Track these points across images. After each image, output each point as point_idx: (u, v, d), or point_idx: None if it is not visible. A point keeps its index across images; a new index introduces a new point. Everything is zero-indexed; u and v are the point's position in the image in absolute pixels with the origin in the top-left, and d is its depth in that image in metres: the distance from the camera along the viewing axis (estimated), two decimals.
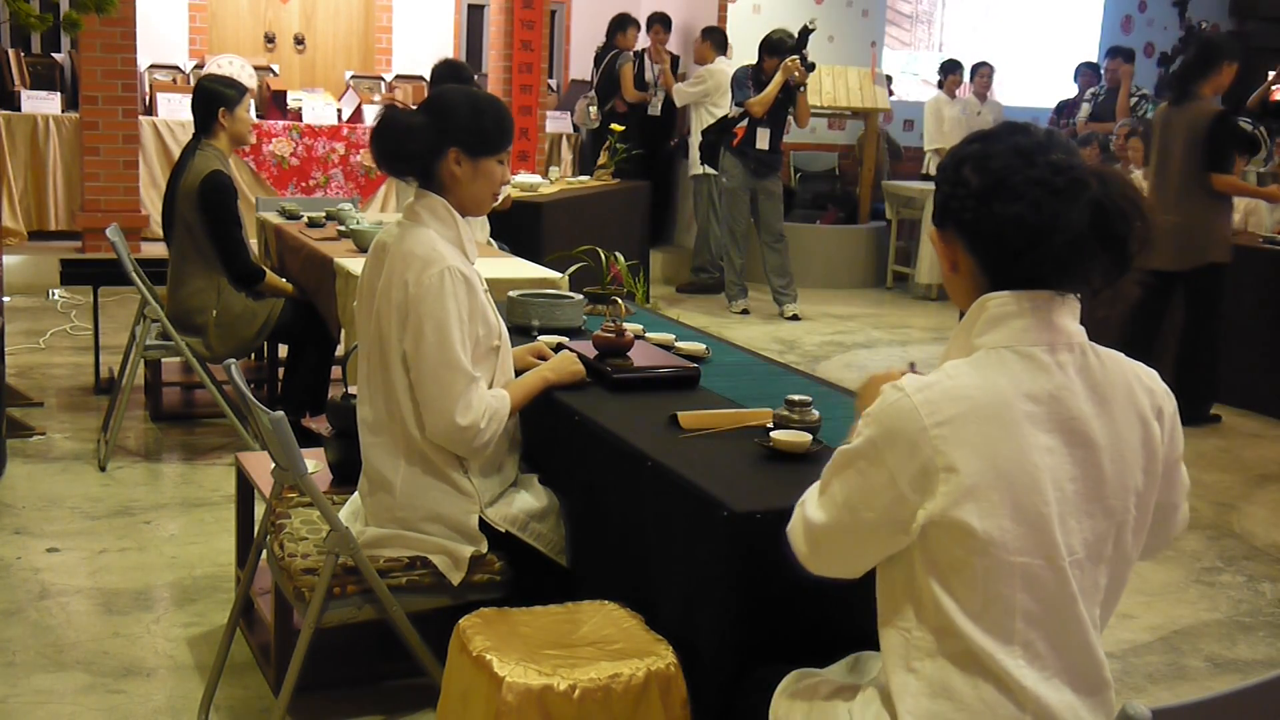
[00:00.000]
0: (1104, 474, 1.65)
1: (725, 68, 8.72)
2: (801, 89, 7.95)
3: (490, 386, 2.68)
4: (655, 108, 9.63)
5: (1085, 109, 9.74)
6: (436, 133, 2.64)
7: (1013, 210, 1.63)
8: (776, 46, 7.89)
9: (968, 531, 1.58)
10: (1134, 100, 9.50)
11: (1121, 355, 1.73)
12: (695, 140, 8.91)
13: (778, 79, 7.81)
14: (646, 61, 9.62)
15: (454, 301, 2.57)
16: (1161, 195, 5.83)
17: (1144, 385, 1.71)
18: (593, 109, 9.43)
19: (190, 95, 4.90)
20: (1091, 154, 7.58)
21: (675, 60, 9.97)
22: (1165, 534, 1.84)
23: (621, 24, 9.54)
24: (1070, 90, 10.36)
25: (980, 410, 1.60)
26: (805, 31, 7.89)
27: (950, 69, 9.97)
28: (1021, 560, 1.59)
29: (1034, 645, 1.62)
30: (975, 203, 1.66)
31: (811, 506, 1.75)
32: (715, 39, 9.10)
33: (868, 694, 1.79)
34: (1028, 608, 1.61)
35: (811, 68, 7.93)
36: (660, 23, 9.63)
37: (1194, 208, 5.77)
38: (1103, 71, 9.94)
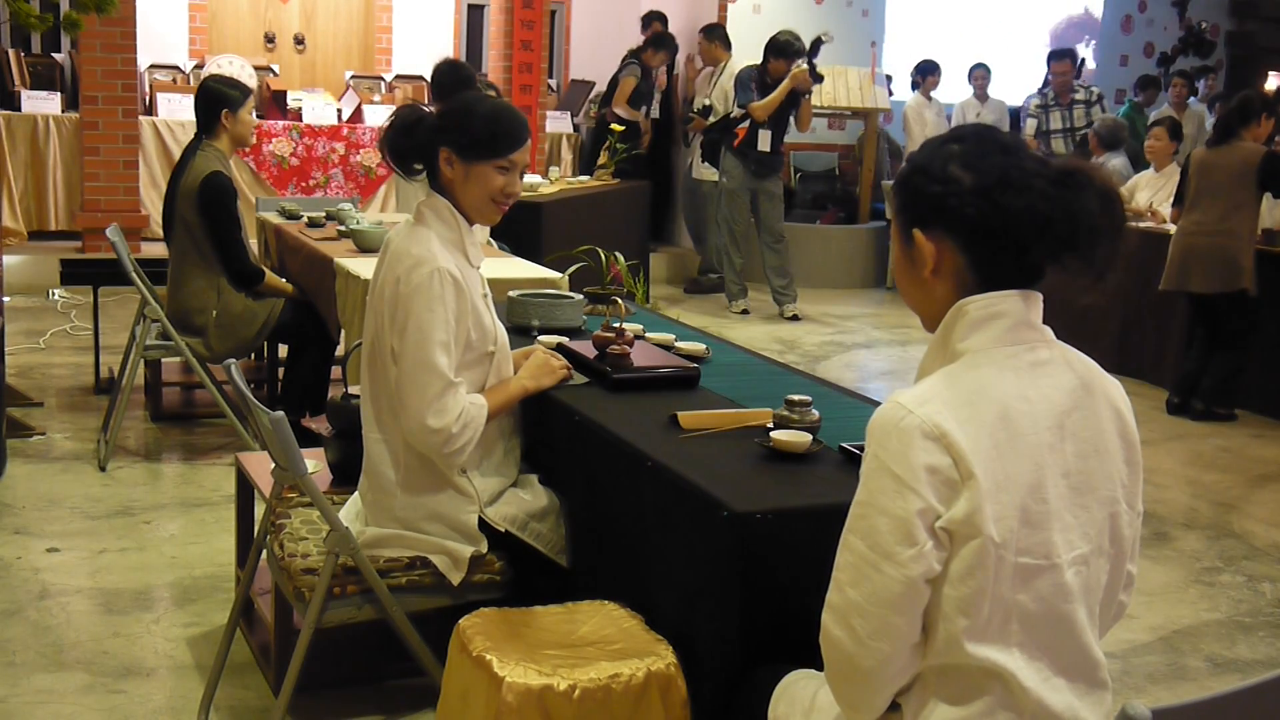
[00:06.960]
0: (1093, 466, 1.67)
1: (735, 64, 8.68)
2: (806, 95, 7.95)
3: (483, 391, 2.68)
4: (654, 110, 9.60)
5: (1031, 125, 9.28)
6: (429, 130, 2.66)
7: (1023, 201, 1.64)
8: (783, 49, 7.86)
9: (983, 535, 1.56)
10: (1084, 99, 9.23)
11: (1080, 352, 1.76)
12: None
13: (784, 85, 7.79)
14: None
15: (440, 303, 2.56)
16: (1203, 225, 6.12)
17: (1109, 380, 1.75)
18: (594, 107, 9.38)
19: (190, 95, 4.90)
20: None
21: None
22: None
23: (657, 42, 9.26)
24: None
25: (985, 415, 1.60)
26: (818, 42, 7.88)
27: (928, 70, 9.93)
28: (1023, 560, 1.60)
29: (1030, 645, 1.63)
30: (977, 198, 1.65)
31: (832, 593, 1.65)
32: (721, 36, 9.04)
33: None
34: (1025, 607, 1.62)
35: (819, 79, 7.92)
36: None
37: (1237, 237, 6.07)
38: (1048, 77, 9.51)
